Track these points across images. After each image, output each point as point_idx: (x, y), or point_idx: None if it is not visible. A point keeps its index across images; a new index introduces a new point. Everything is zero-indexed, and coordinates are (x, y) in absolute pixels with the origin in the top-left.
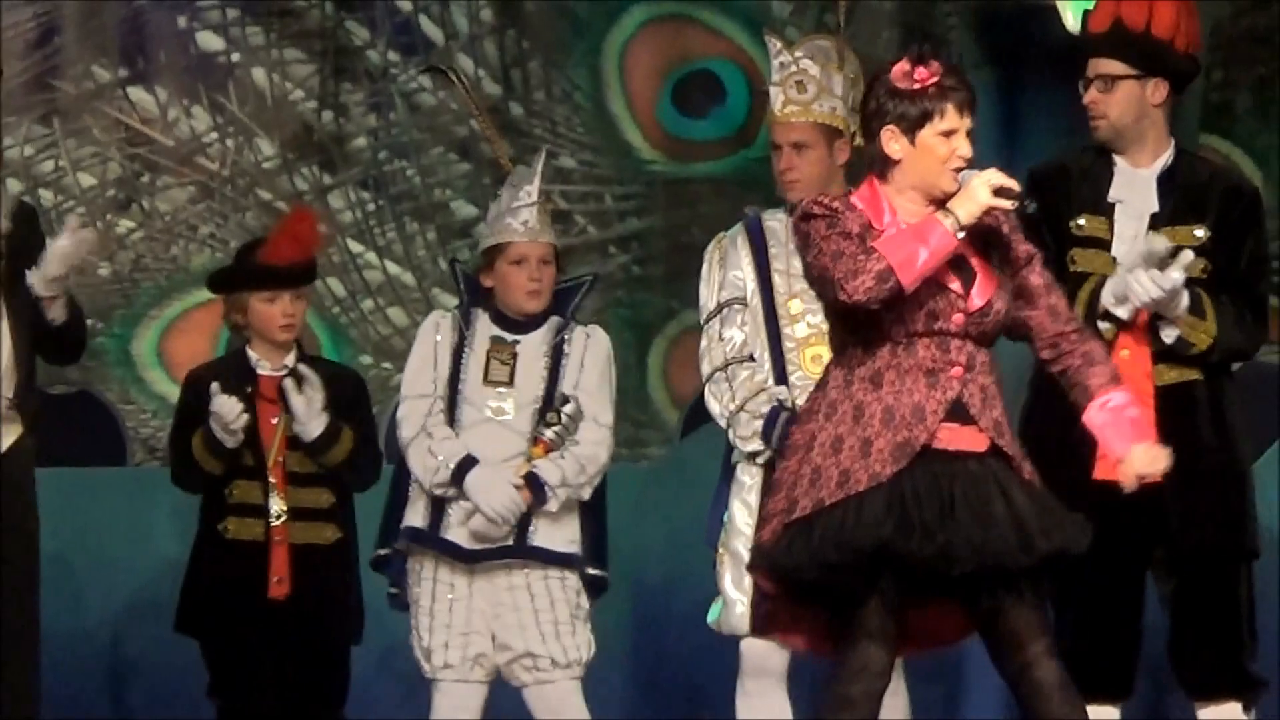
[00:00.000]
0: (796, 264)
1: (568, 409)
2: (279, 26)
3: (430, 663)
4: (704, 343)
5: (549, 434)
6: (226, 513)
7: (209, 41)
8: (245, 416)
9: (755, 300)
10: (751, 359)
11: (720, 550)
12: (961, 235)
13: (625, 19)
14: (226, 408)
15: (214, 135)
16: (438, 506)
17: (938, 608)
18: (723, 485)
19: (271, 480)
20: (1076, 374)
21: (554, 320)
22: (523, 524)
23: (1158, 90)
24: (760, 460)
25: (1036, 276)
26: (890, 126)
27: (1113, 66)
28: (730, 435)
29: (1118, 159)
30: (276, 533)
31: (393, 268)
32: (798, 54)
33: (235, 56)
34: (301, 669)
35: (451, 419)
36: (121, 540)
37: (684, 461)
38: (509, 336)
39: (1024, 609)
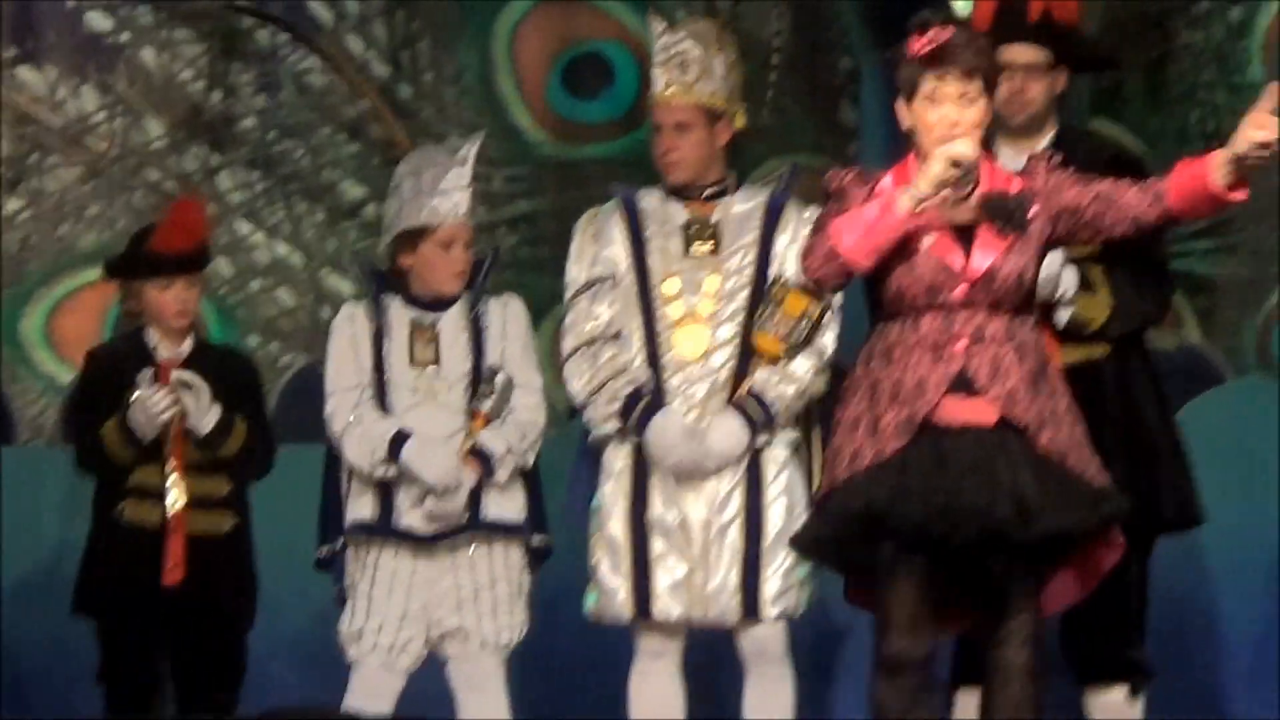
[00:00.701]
0: (673, 244)
1: (498, 379)
2: (167, 6)
3: (358, 645)
4: (569, 317)
5: (485, 406)
6: (124, 496)
7: (97, 21)
8: (172, 410)
9: (629, 279)
10: (617, 338)
11: (594, 536)
12: (920, 203)
13: (515, 1)
14: (155, 402)
15: (102, 115)
16: (386, 496)
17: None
18: (582, 466)
19: (170, 466)
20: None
21: (466, 295)
22: (474, 499)
23: (1062, 79)
24: (622, 441)
25: (1074, 193)
26: (901, 99)
27: (1033, 55)
28: (587, 413)
29: (1003, 145)
30: (173, 520)
31: (281, 248)
32: (679, 35)
33: (124, 36)
34: (196, 655)
35: (384, 406)
36: (6, 519)
37: (572, 442)
38: (428, 317)
39: (1013, 585)
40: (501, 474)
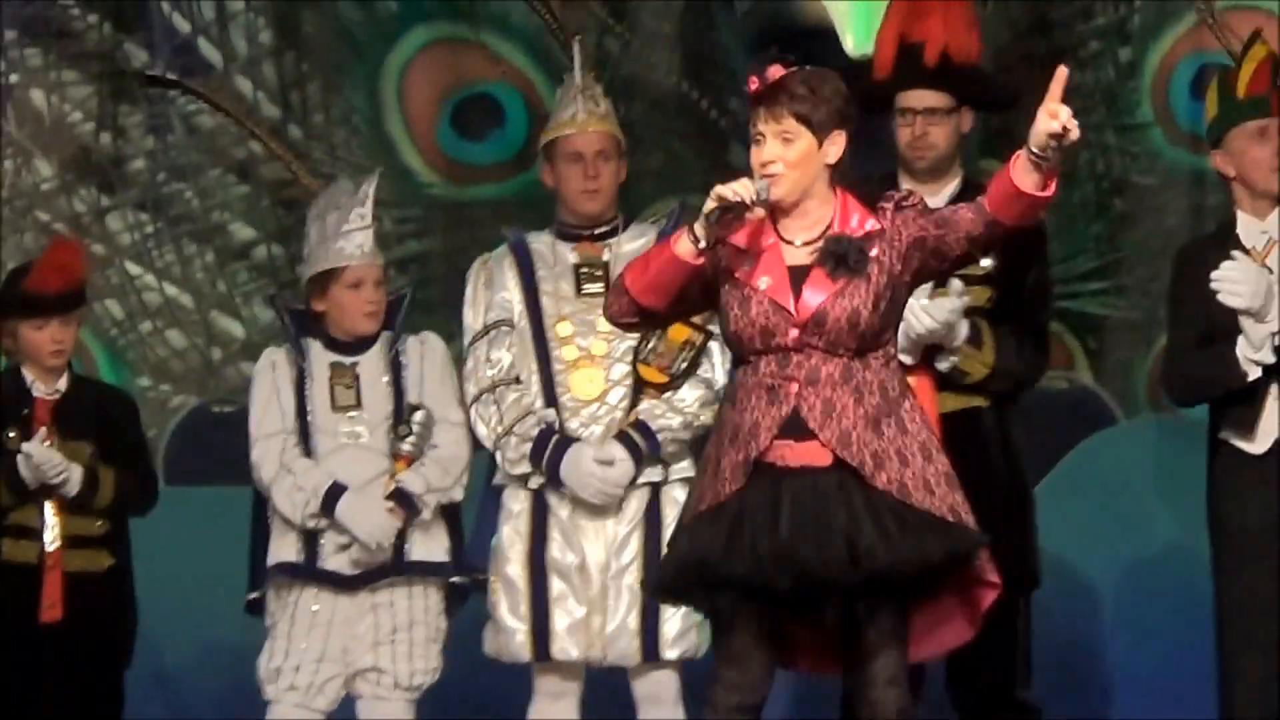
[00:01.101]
0: (565, 285)
1: (418, 417)
2: (57, 48)
3: (276, 684)
4: (469, 364)
5: (406, 447)
6: (1, 534)
7: None
8: (65, 473)
9: (523, 322)
10: (518, 381)
11: (493, 578)
12: (702, 247)
13: (404, 42)
14: (52, 465)
15: None
16: (310, 538)
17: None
18: (487, 508)
19: (47, 505)
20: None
21: (385, 335)
22: (398, 541)
23: (966, 119)
24: (531, 484)
25: (918, 225)
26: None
27: (938, 100)
28: (498, 458)
29: (904, 188)
30: (50, 558)
31: (171, 290)
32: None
33: (13, 78)
34: (75, 691)
35: (307, 450)
36: None
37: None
38: (347, 360)
39: (871, 627)
40: (425, 514)
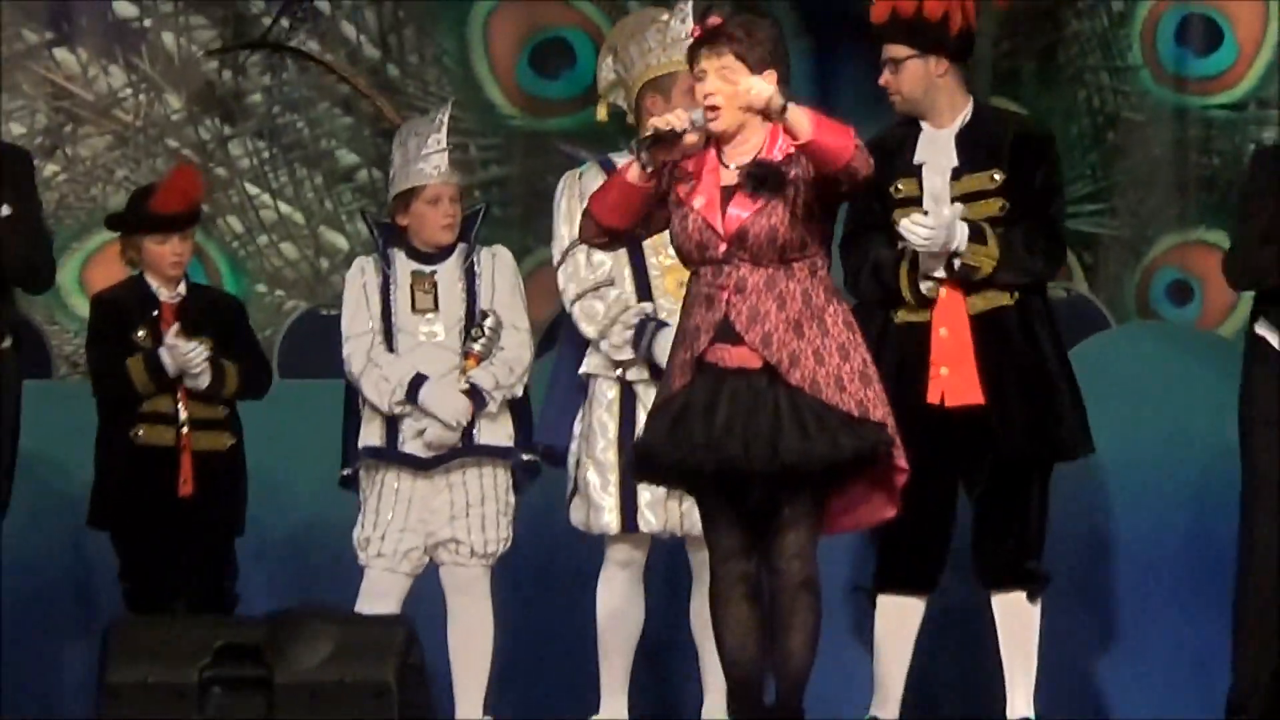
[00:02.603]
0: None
1: (488, 322)
2: None
3: (366, 551)
4: (568, 269)
5: (476, 347)
6: (138, 420)
7: (124, 9)
8: (205, 361)
9: None
10: (612, 283)
11: (585, 458)
12: (647, 169)
13: None
14: (194, 354)
15: (129, 91)
16: (392, 425)
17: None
18: (575, 396)
19: (180, 395)
20: None
21: (461, 247)
22: (467, 428)
23: (939, 64)
24: (629, 375)
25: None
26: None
27: (897, 50)
28: (604, 347)
29: (923, 124)
30: (184, 440)
31: (284, 208)
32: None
33: (147, 22)
34: (202, 556)
35: (390, 347)
36: (47, 443)
37: (539, 380)
38: (427, 268)
39: (787, 508)
40: (492, 407)
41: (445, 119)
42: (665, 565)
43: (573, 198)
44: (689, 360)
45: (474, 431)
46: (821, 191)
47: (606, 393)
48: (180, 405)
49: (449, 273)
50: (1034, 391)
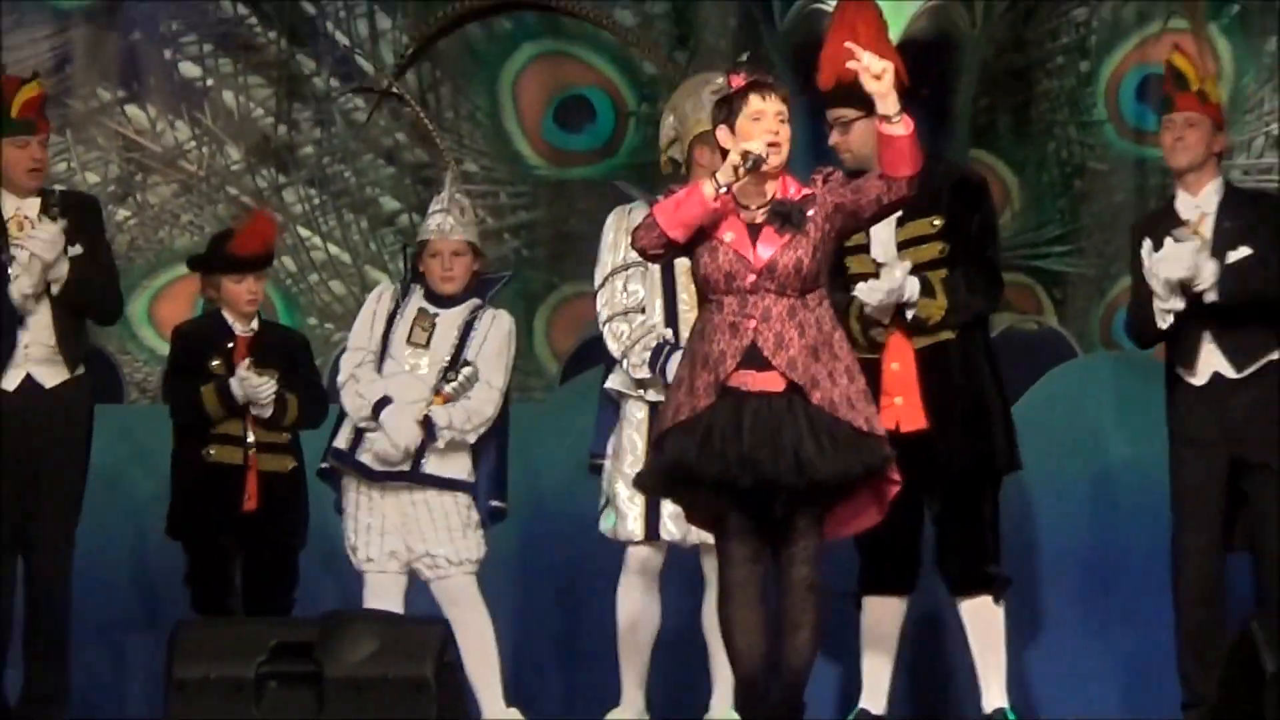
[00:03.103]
0: None
1: (465, 371)
2: (244, 58)
3: (356, 557)
4: (605, 293)
5: (447, 389)
6: (210, 441)
7: (189, 70)
8: (271, 393)
9: (652, 266)
10: (642, 310)
11: (615, 472)
12: (723, 191)
13: (517, 54)
14: (263, 387)
15: (193, 144)
16: (358, 434)
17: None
18: (608, 413)
19: (248, 420)
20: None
21: (472, 301)
22: (418, 455)
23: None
24: (649, 396)
25: (840, 193)
26: (723, 125)
27: (844, 113)
28: (625, 365)
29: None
30: (250, 460)
31: (333, 249)
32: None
33: (209, 82)
34: (262, 566)
35: (379, 368)
36: (117, 462)
37: (561, 402)
38: (432, 309)
39: (800, 519)
40: (440, 442)
41: (447, 183)
42: (679, 571)
43: (619, 230)
44: (712, 383)
45: (422, 461)
46: (844, 225)
47: (636, 413)
48: (248, 429)
49: (450, 319)
50: (970, 417)
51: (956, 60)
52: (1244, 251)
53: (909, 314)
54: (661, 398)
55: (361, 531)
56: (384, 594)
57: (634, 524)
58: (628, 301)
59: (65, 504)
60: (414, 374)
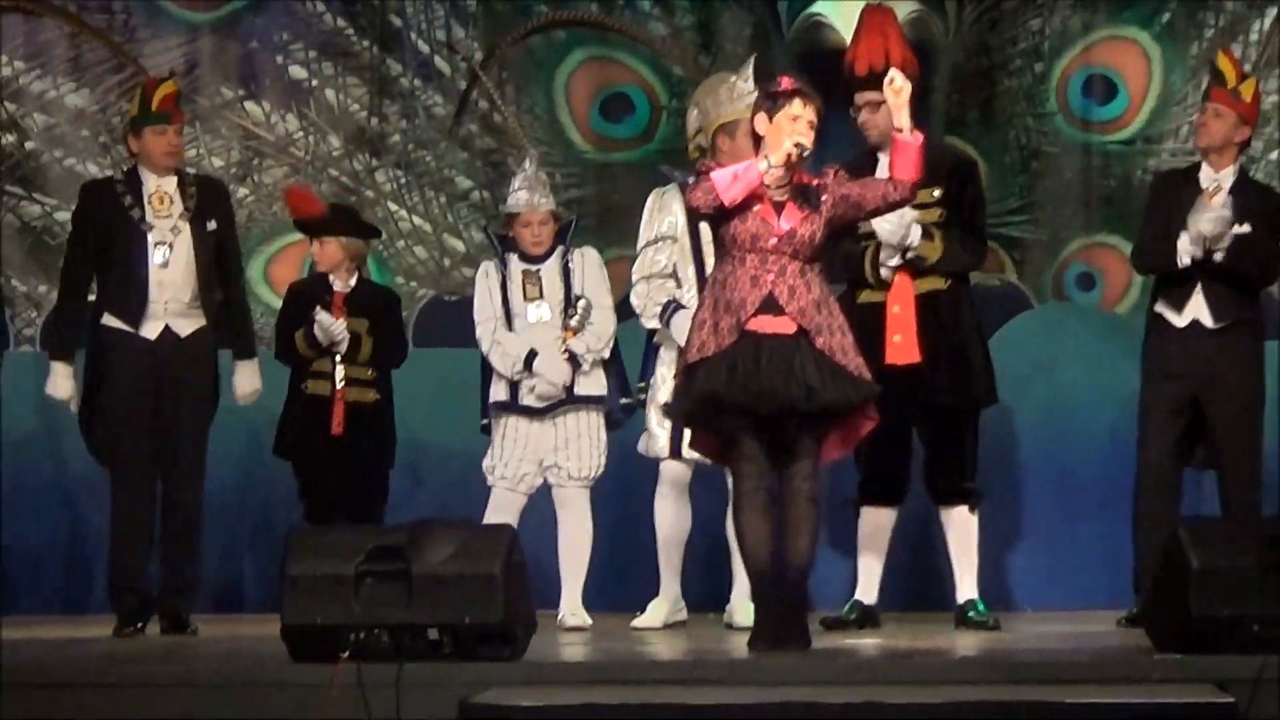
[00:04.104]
0: None
1: (581, 304)
2: (342, 62)
3: (492, 475)
4: (641, 259)
5: (573, 323)
6: (308, 376)
7: (297, 72)
8: (344, 335)
9: (684, 237)
10: (670, 275)
11: (650, 403)
12: (771, 174)
13: (569, 58)
14: (334, 327)
15: (300, 134)
16: (514, 385)
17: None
18: (650, 354)
19: (336, 358)
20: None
21: (559, 249)
22: (569, 384)
23: None
24: (660, 339)
25: (847, 187)
26: (763, 114)
27: (874, 95)
28: (643, 318)
29: (879, 155)
30: (338, 392)
31: (416, 220)
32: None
33: (314, 82)
34: (356, 483)
35: (510, 327)
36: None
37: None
38: (533, 268)
39: (804, 438)
40: (585, 367)
41: (528, 163)
42: (707, 488)
43: (653, 210)
44: (734, 325)
45: (574, 386)
46: (844, 214)
47: (666, 358)
48: (336, 366)
49: (550, 270)
50: (955, 357)
51: (933, 62)
52: (1246, 228)
53: (909, 254)
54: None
55: (504, 456)
56: (507, 508)
57: (663, 443)
58: (654, 269)
59: (197, 433)
60: (541, 323)
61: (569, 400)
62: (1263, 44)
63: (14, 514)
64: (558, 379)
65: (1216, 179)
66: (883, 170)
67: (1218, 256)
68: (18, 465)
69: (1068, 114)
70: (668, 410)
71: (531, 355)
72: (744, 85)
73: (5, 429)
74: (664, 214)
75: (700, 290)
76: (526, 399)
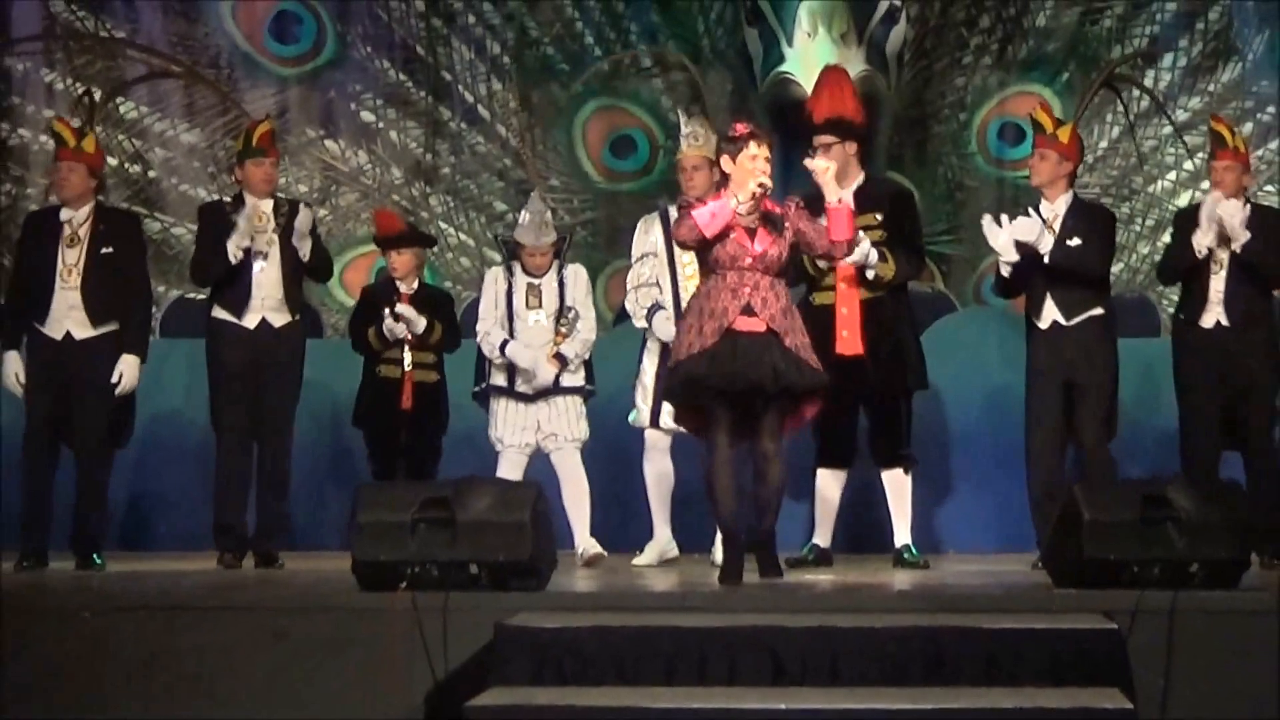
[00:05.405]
0: None
1: (570, 314)
2: (403, 109)
3: (500, 444)
4: (631, 274)
5: (563, 328)
6: (379, 362)
7: (366, 116)
8: (404, 333)
9: (662, 254)
10: (653, 283)
11: (638, 384)
12: (741, 206)
13: (585, 107)
14: (397, 329)
15: (369, 166)
16: (510, 372)
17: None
18: (642, 349)
19: (406, 346)
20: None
21: (555, 263)
22: (557, 376)
23: (850, 147)
24: (649, 337)
25: (802, 224)
26: (727, 156)
27: (827, 139)
28: (634, 318)
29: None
30: (407, 374)
31: (462, 236)
32: (695, 125)
33: (380, 124)
34: (416, 447)
35: (511, 331)
36: (320, 377)
37: (616, 339)
38: (535, 281)
39: (771, 413)
40: (571, 365)
41: (533, 201)
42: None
43: (641, 232)
44: (716, 328)
45: (561, 378)
46: (794, 245)
47: (652, 349)
48: (404, 353)
49: (549, 282)
50: (893, 350)
51: (878, 112)
52: (1077, 241)
53: (870, 274)
54: (665, 338)
55: (506, 428)
56: (513, 468)
57: (645, 416)
58: (639, 280)
59: (287, 405)
60: (538, 326)
61: (555, 390)
62: (1085, 102)
63: (153, 472)
64: (547, 377)
65: (1054, 209)
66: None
67: (1046, 260)
68: (156, 432)
69: (985, 154)
70: (666, 394)
71: (504, 344)
72: (686, 131)
73: (152, 402)
74: (648, 235)
75: (675, 294)
76: (521, 386)
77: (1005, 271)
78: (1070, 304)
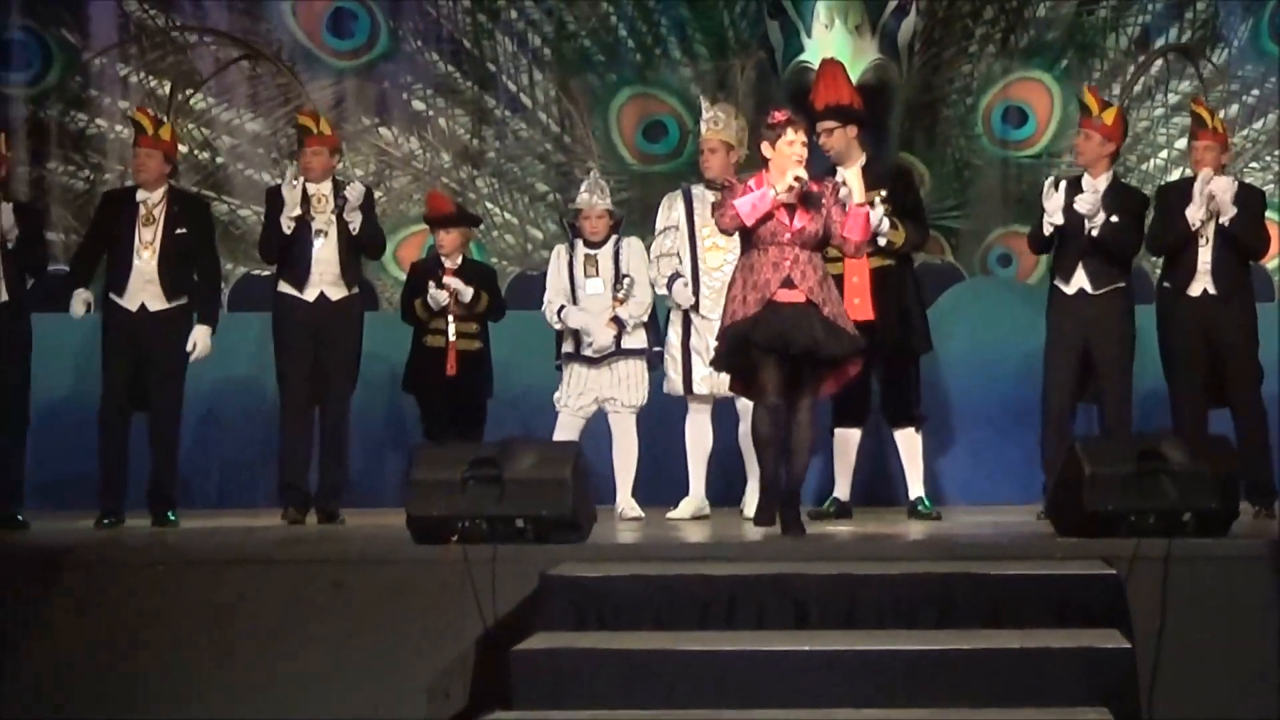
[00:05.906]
0: (706, 211)
1: (626, 281)
2: (452, 98)
3: (560, 404)
4: (655, 245)
5: (621, 294)
6: (426, 332)
7: (417, 105)
8: (448, 301)
9: (684, 228)
10: (673, 254)
11: (668, 354)
12: (780, 196)
13: (620, 95)
14: (441, 299)
15: (420, 150)
16: (577, 339)
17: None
18: (667, 323)
19: (450, 317)
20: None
21: (613, 238)
22: (617, 339)
23: (851, 130)
24: (673, 309)
25: (834, 203)
26: (766, 142)
27: (829, 124)
28: (654, 285)
29: (839, 168)
30: (451, 344)
31: (506, 215)
32: (717, 110)
33: (430, 112)
34: (463, 411)
35: (574, 297)
36: (374, 346)
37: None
38: (593, 252)
39: (809, 378)
40: (629, 327)
41: (592, 173)
42: (725, 414)
43: (665, 208)
44: (759, 299)
45: (621, 341)
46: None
47: (675, 320)
48: (449, 323)
49: (606, 253)
50: (900, 315)
51: (890, 98)
52: (1115, 219)
53: (881, 240)
54: (684, 304)
55: (570, 392)
56: (571, 429)
57: (678, 385)
58: (663, 251)
59: (346, 374)
60: (597, 294)
61: (618, 352)
62: (1132, 80)
63: (223, 436)
64: (606, 341)
65: (1095, 185)
66: (841, 176)
67: (1094, 234)
68: (225, 399)
69: (990, 136)
70: (714, 362)
71: (562, 309)
72: (706, 116)
73: (221, 371)
74: (671, 210)
75: (694, 265)
76: (586, 351)
77: (1048, 231)
78: (1099, 275)
